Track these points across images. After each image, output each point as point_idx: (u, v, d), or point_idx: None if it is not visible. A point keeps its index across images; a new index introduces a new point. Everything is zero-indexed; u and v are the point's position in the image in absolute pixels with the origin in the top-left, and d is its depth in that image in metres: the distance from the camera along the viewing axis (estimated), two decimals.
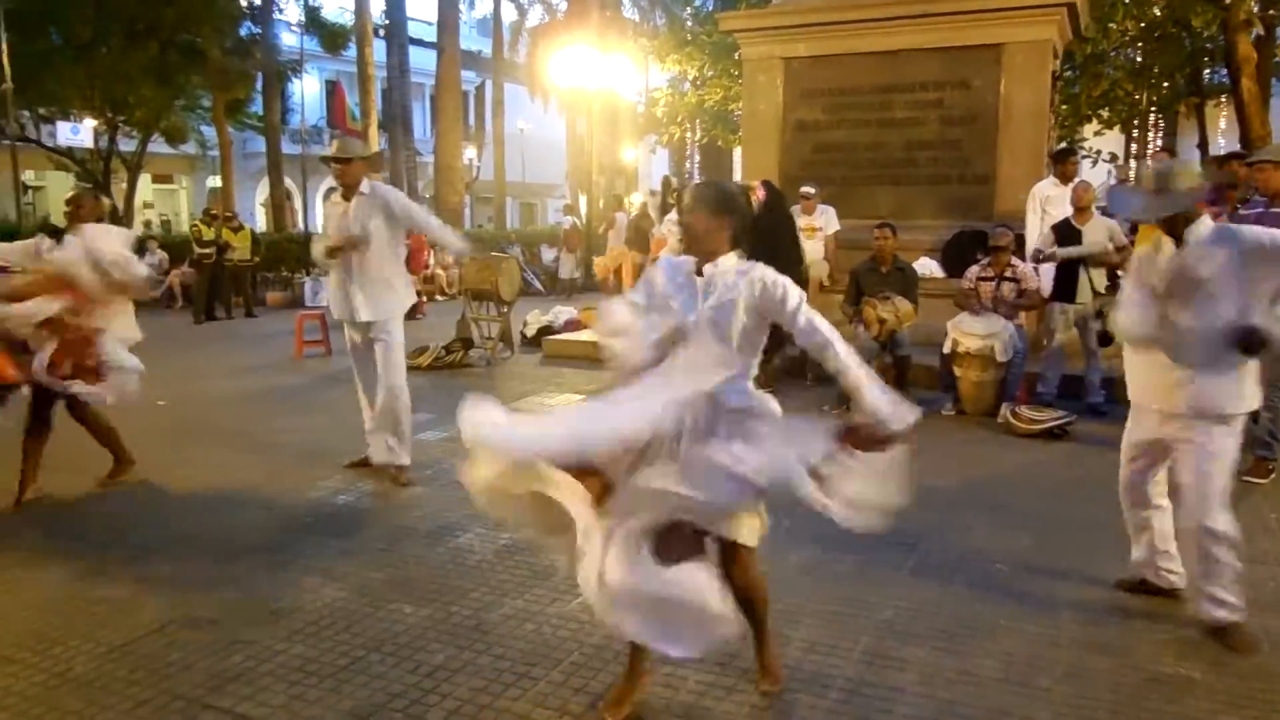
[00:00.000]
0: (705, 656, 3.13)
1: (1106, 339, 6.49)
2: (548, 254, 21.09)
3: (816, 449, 2.54)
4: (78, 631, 3.35)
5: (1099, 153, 18.54)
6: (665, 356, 2.72)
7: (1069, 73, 16.37)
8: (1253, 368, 3.26)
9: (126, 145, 20.04)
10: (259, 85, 22.46)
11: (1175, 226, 3.29)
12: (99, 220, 5.27)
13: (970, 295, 7.19)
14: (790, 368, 7.50)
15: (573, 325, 11.39)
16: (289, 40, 23.02)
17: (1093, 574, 3.86)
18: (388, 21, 25.47)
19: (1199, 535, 3.28)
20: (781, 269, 2.73)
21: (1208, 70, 18.36)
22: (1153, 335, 3.30)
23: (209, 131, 23.20)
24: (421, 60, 28.10)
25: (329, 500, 4.98)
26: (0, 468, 5.08)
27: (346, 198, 5.20)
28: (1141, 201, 3.43)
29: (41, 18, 16.81)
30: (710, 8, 23.89)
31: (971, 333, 6.91)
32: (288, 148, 23.40)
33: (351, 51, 24.69)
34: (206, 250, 14.30)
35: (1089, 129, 19.28)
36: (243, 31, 21.14)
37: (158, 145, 21.05)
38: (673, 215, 10.95)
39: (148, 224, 26.15)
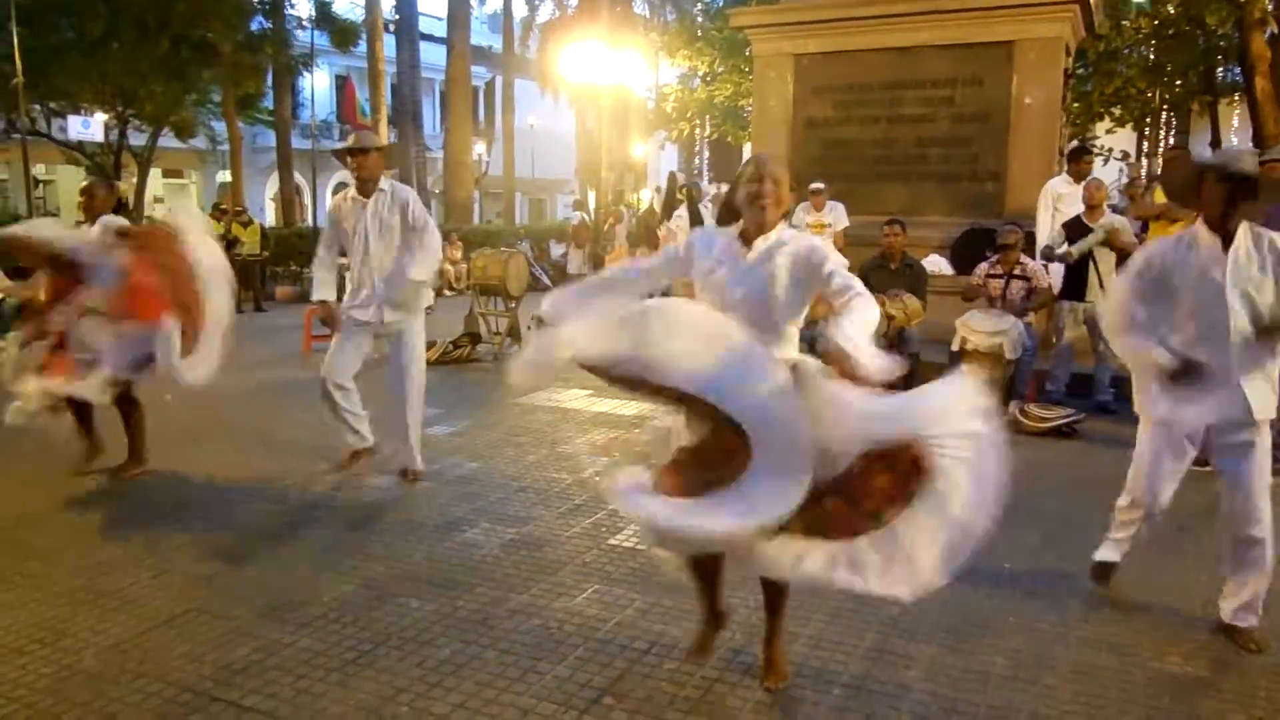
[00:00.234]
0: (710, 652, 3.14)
1: None
2: (556, 249, 21.11)
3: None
4: (87, 624, 3.37)
5: (1110, 151, 18.47)
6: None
7: (1081, 70, 16.29)
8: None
9: (137, 140, 20.10)
10: (269, 80, 22.51)
11: (1228, 222, 3.15)
12: (114, 210, 5.30)
13: (978, 287, 7.16)
14: None
15: None
16: (300, 35, 23.04)
17: None
18: (398, 17, 25.53)
19: (1245, 540, 3.26)
20: None
21: (1221, 68, 18.25)
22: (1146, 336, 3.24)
23: (219, 126, 23.25)
24: (432, 56, 28.15)
25: (337, 494, 4.99)
26: None
27: (363, 193, 4.99)
28: None
29: (53, 12, 16.86)
30: (721, 4, 23.84)
31: (980, 330, 6.89)
32: (298, 143, 23.49)
33: (362, 47, 24.75)
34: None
35: (1101, 127, 19.20)
36: (254, 26, 21.17)
37: (168, 140, 21.08)
38: (681, 211, 10.95)
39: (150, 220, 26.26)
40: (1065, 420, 6.32)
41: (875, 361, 2.45)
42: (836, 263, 2.76)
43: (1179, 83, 18.31)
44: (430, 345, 9.34)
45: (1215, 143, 18.75)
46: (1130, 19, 15.56)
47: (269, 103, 23.47)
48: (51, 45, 16.94)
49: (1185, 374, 3.17)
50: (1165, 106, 20.31)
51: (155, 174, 25.98)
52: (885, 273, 7.33)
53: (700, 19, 23.71)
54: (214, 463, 5.55)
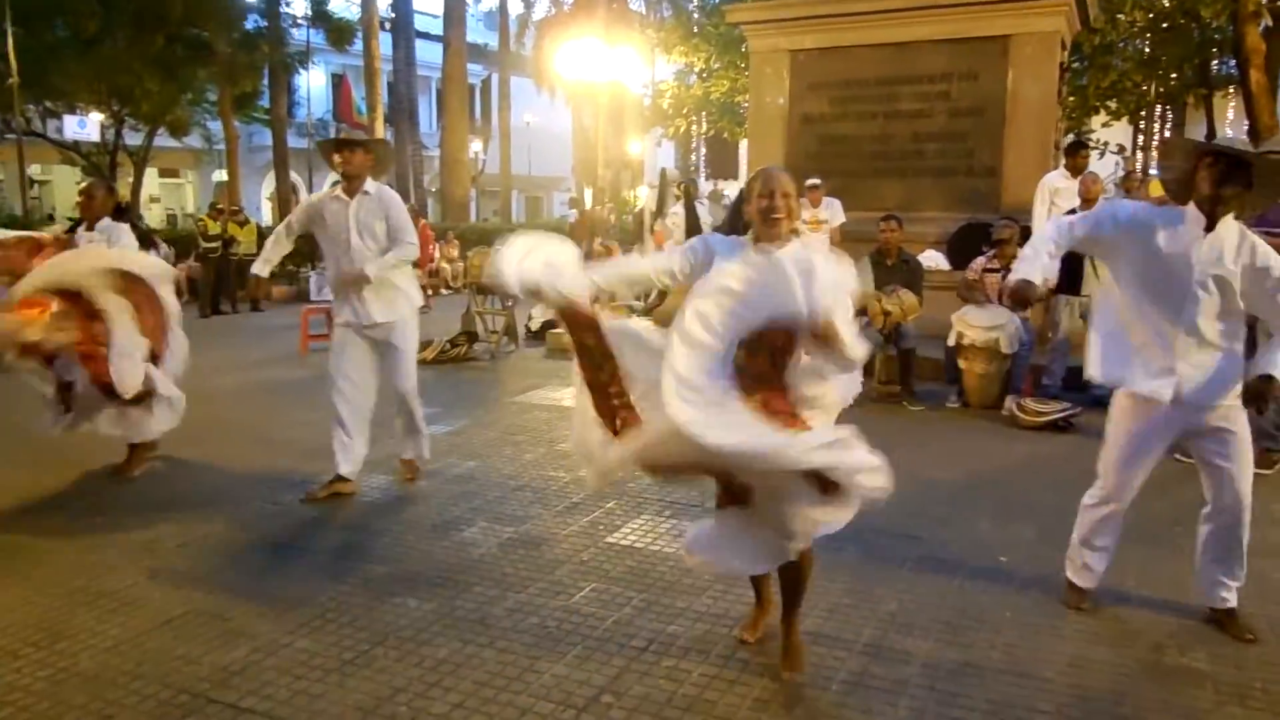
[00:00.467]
0: (708, 650, 3.15)
1: None
2: None
3: None
4: (83, 626, 3.37)
5: (1106, 144, 18.48)
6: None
7: (1077, 64, 16.29)
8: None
9: (133, 139, 20.07)
10: (265, 79, 22.47)
11: (1216, 206, 3.10)
12: (114, 213, 5.28)
13: (975, 286, 7.17)
14: None
15: None
16: (295, 33, 23.00)
17: None
18: (394, 15, 25.50)
19: (1232, 522, 3.26)
20: None
21: (1216, 61, 18.26)
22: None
23: (215, 126, 23.21)
24: (428, 54, 28.12)
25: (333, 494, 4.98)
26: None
27: (348, 192, 4.81)
28: None
29: (48, 11, 16.83)
30: (716, 0, 23.84)
31: (977, 325, 6.89)
32: (294, 142, 23.42)
33: (358, 45, 24.70)
34: (212, 244, 14.33)
35: (1096, 120, 19.20)
36: (249, 25, 21.13)
37: (164, 140, 21.05)
38: (677, 208, 10.94)
39: (142, 224, 26.24)
40: (1061, 414, 6.32)
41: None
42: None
43: (1174, 76, 18.31)
44: (427, 344, 9.39)
45: (1210, 135, 18.75)
46: (1125, 12, 15.54)
47: (265, 101, 23.41)
48: (46, 44, 16.92)
49: (1020, 294, 3.28)
50: (1160, 100, 20.30)
51: (151, 173, 25.95)
52: (882, 268, 7.34)
53: (696, 15, 23.68)
54: (211, 462, 5.55)
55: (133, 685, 2.95)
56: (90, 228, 5.19)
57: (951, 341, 7.04)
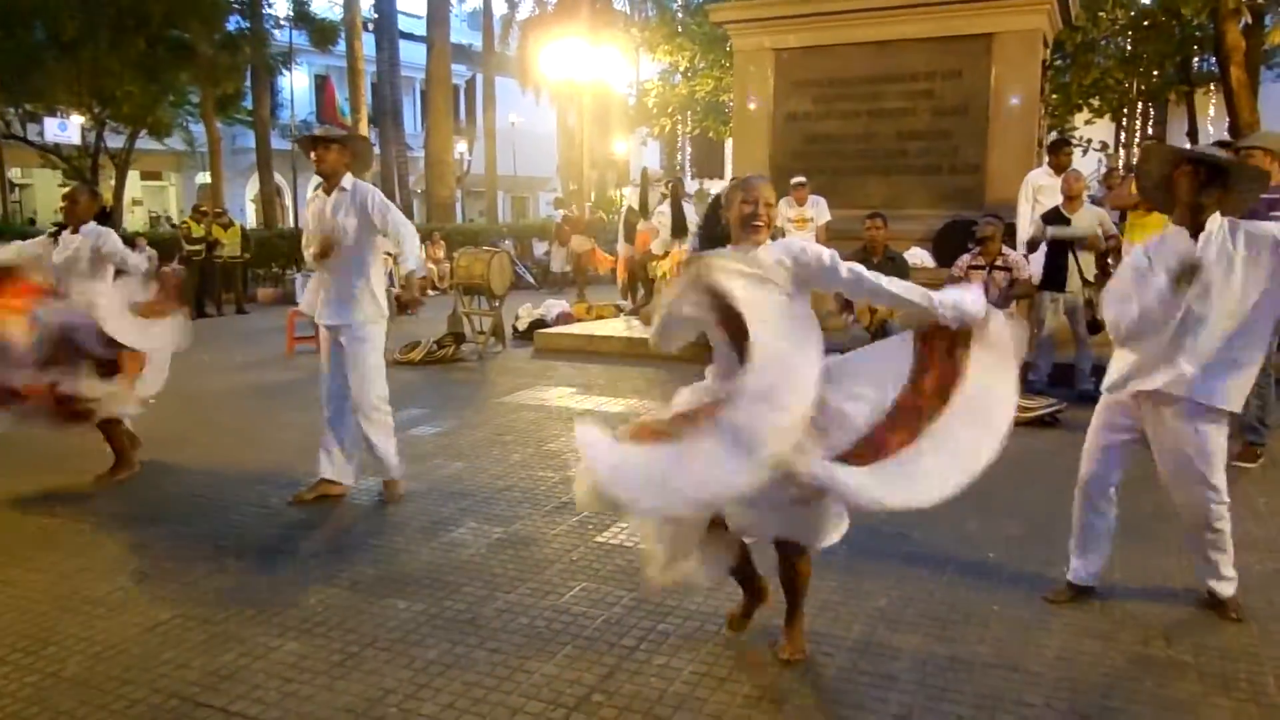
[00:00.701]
0: (698, 648, 3.16)
1: (1096, 326, 6.52)
2: (539, 248, 21.08)
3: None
4: (70, 631, 3.34)
5: (1089, 141, 18.60)
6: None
7: (1059, 62, 16.39)
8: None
9: (114, 142, 19.93)
10: (248, 80, 22.38)
11: (1199, 215, 3.16)
12: (98, 217, 5.24)
13: (960, 281, 7.20)
14: None
15: (564, 319, 11.38)
16: (278, 34, 22.91)
17: None
18: (377, 15, 25.42)
19: (1207, 509, 3.30)
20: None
21: (1197, 58, 18.44)
22: (1155, 319, 3.21)
23: (198, 128, 23.08)
24: (411, 54, 28.04)
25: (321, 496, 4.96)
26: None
27: (327, 190, 4.73)
28: None
29: (27, 13, 16.68)
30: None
31: None
32: (277, 143, 23.31)
33: (341, 46, 24.62)
34: (196, 247, 14.25)
35: (1079, 118, 19.34)
36: (231, 26, 21.03)
37: (146, 142, 20.91)
38: (663, 208, 10.94)
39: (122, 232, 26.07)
40: (1047, 410, 6.36)
41: (979, 302, 2.90)
42: (831, 256, 2.95)
43: (1156, 73, 18.48)
44: (414, 345, 9.38)
45: (1192, 132, 18.92)
46: (1107, 10, 15.68)
47: (248, 103, 23.30)
48: (25, 46, 16.77)
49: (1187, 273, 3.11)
50: (1142, 97, 20.48)
51: (134, 176, 25.78)
52: (868, 266, 7.31)
53: (680, 14, 23.66)
54: (198, 466, 5.53)
55: (121, 690, 2.93)
56: (75, 231, 5.16)
57: None
